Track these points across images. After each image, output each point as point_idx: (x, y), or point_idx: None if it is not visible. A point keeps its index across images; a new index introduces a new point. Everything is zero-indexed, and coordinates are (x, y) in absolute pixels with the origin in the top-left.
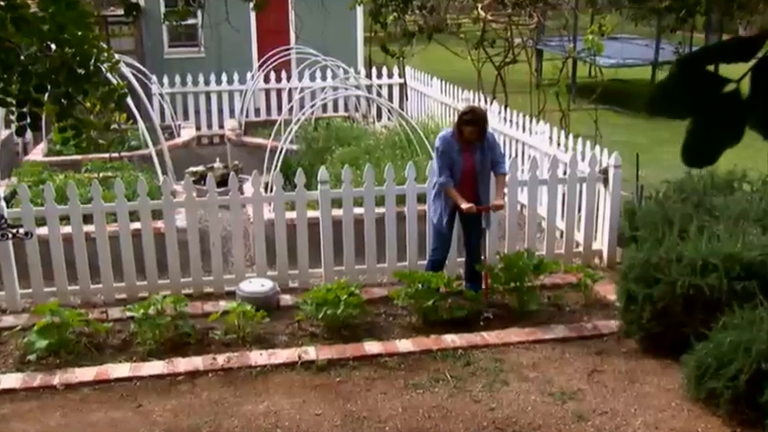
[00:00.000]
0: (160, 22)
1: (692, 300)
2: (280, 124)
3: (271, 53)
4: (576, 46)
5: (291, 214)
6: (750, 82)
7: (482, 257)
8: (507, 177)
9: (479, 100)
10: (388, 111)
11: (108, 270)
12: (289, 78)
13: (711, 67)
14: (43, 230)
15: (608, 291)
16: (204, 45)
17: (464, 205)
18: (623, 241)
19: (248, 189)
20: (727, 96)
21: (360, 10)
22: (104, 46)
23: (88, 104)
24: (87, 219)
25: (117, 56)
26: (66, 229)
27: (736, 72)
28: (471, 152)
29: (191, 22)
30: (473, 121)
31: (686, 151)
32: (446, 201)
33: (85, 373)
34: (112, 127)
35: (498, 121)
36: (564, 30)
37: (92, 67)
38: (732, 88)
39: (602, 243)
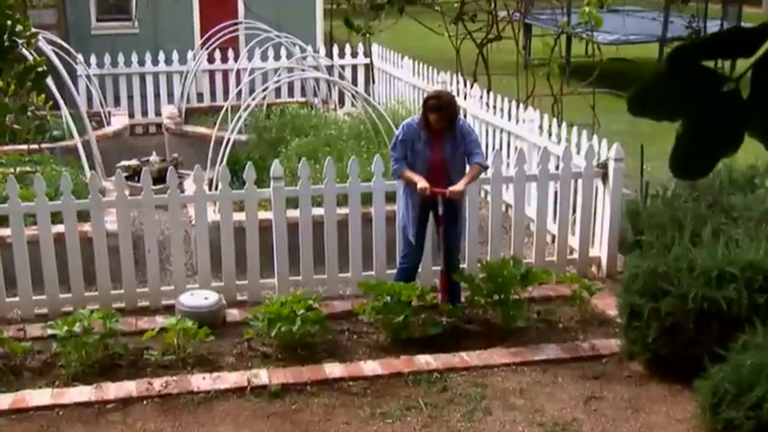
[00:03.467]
0: None
1: (707, 315)
2: (226, 111)
3: (216, 28)
4: (571, 20)
5: (240, 216)
6: (751, 81)
7: (445, 262)
8: (490, 172)
9: (458, 83)
10: (352, 95)
11: (26, 281)
12: (236, 58)
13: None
14: None
15: (607, 305)
16: (138, 19)
17: (420, 184)
18: (625, 247)
19: (189, 186)
20: (724, 97)
21: None
22: (21, 17)
23: (1, 84)
24: (2, 221)
25: (35, 30)
26: None
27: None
28: (441, 144)
29: None
30: (438, 108)
31: (676, 160)
32: (414, 198)
33: (0, 401)
34: (30, 110)
35: (480, 108)
36: (556, 1)
37: (6, 42)
38: (730, 88)
39: (600, 249)
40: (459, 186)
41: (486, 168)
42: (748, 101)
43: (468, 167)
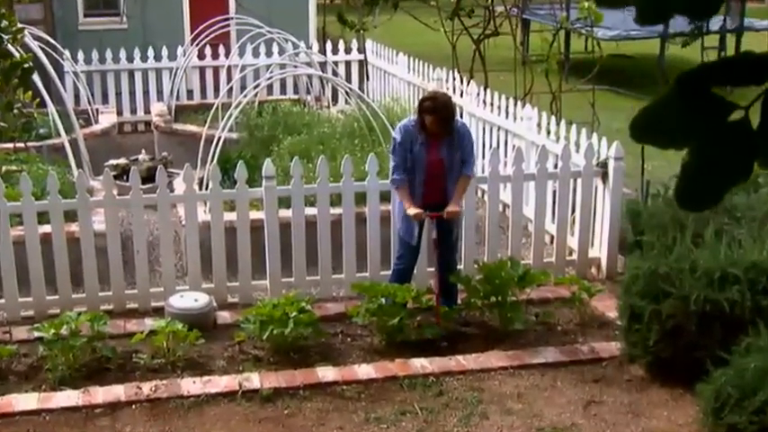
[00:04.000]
0: None
1: (709, 317)
2: (217, 109)
3: (206, 24)
4: (570, 15)
5: (231, 216)
6: (761, 109)
7: (439, 270)
8: (487, 171)
9: (454, 80)
10: (346, 93)
11: (12, 282)
12: (227, 54)
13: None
14: None
15: (607, 306)
16: (126, 14)
17: (411, 211)
18: (626, 248)
19: (179, 186)
20: (732, 126)
21: None
22: (6, 12)
23: None
24: None
25: (21, 26)
26: None
27: (744, 97)
28: (438, 146)
29: None
30: (433, 110)
31: (682, 190)
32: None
33: None
34: (16, 107)
35: (477, 105)
36: None
37: None
38: (739, 116)
39: (600, 250)
40: (454, 207)
41: (472, 177)
42: (758, 130)
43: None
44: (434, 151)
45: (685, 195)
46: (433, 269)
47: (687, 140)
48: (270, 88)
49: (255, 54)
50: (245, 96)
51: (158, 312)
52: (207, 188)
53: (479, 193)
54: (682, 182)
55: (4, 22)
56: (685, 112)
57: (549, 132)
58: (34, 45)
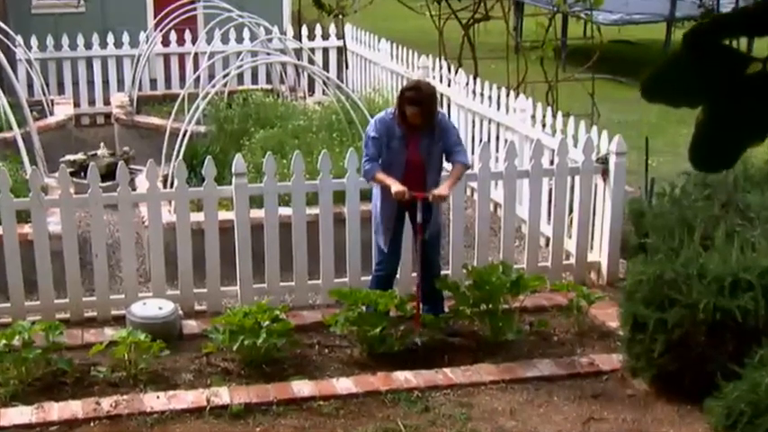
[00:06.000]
0: None
1: (719, 327)
2: (183, 100)
3: (171, 7)
4: None
5: (198, 216)
6: None
7: (421, 276)
8: (477, 168)
9: (441, 68)
10: (323, 82)
11: None
12: (194, 40)
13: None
14: None
15: (608, 315)
16: None
17: (395, 188)
18: (628, 251)
19: (142, 184)
20: (749, 79)
21: None
22: None
23: None
24: None
25: None
26: None
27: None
28: (418, 141)
29: None
30: (416, 101)
31: (696, 150)
32: (387, 201)
33: None
34: None
35: (465, 96)
36: None
37: None
38: (757, 69)
39: (600, 253)
40: (443, 190)
41: (469, 167)
42: None
43: (446, 167)
44: (414, 146)
45: (699, 155)
46: (416, 274)
47: (701, 97)
48: (240, 77)
49: (225, 40)
50: (214, 86)
51: (119, 321)
52: (172, 186)
53: (469, 192)
54: (695, 142)
55: None
56: (698, 67)
57: (544, 125)
58: None
